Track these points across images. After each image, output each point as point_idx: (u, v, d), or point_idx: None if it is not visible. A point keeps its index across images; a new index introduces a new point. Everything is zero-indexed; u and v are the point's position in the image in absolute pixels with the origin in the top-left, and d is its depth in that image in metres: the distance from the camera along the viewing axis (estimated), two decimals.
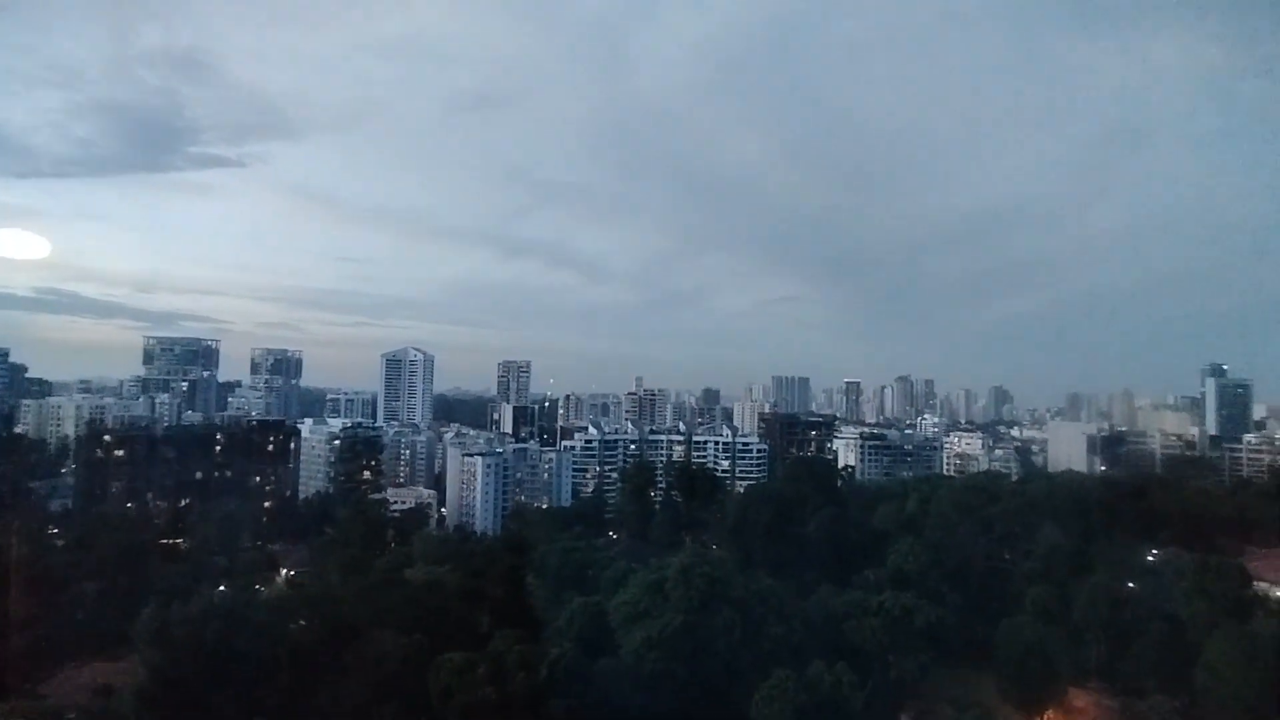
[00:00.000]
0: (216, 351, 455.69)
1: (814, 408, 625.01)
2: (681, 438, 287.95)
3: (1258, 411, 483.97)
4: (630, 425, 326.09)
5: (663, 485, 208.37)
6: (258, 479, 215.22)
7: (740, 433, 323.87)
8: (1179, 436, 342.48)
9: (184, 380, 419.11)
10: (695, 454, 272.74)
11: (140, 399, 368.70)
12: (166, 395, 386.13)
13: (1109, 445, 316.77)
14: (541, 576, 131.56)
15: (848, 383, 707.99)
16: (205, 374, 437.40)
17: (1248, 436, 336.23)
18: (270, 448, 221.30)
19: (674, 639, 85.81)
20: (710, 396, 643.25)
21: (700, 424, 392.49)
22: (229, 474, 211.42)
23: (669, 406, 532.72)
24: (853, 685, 78.36)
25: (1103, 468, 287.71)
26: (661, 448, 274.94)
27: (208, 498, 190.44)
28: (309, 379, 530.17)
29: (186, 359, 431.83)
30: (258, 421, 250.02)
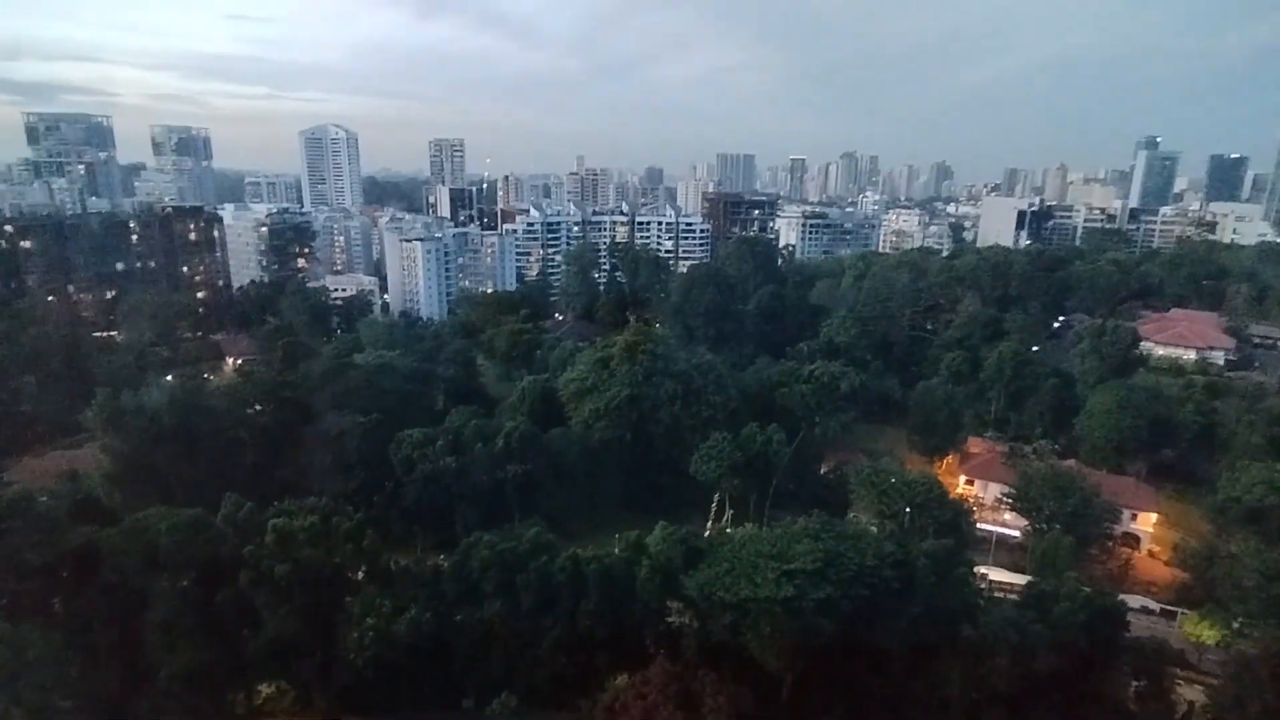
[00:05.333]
0: (110, 129, 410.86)
1: (758, 186, 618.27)
2: (625, 218, 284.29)
3: (1180, 184, 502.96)
4: (573, 207, 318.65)
5: (607, 266, 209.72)
6: (185, 269, 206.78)
7: (683, 213, 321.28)
8: (1102, 210, 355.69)
9: (80, 163, 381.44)
10: (638, 235, 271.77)
11: (34, 184, 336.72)
12: (64, 180, 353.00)
13: (1036, 219, 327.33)
14: (491, 357, 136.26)
15: (793, 160, 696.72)
16: (103, 155, 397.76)
17: (1164, 209, 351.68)
18: (193, 235, 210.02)
19: (620, 410, 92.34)
20: (654, 176, 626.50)
21: (643, 204, 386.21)
22: (152, 264, 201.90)
23: (611, 187, 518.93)
24: (781, 442, 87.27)
25: (1028, 241, 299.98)
26: (605, 229, 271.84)
27: (133, 289, 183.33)
28: (221, 160, 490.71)
29: (78, 138, 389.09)
30: (173, 208, 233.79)
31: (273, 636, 52.18)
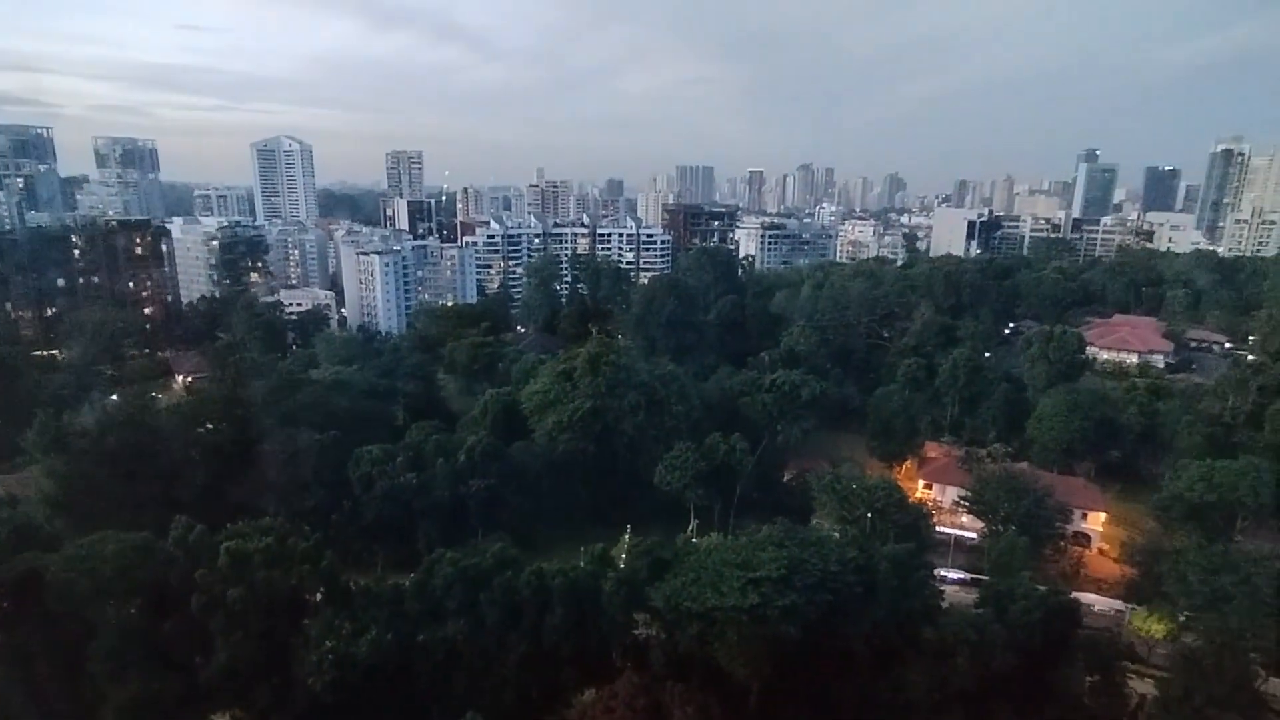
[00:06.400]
0: (51, 141, 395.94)
1: (718, 197, 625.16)
2: (586, 230, 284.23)
3: (1118, 195, 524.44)
4: (533, 219, 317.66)
5: (568, 278, 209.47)
6: (131, 284, 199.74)
7: (644, 224, 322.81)
8: (1047, 220, 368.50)
9: (17, 175, 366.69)
10: (599, 246, 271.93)
11: None
12: (1, 193, 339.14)
13: (986, 229, 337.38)
14: (452, 371, 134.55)
15: (751, 172, 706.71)
16: (42, 167, 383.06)
17: (1105, 219, 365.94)
18: (139, 250, 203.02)
19: (583, 422, 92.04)
20: (614, 188, 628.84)
21: (604, 216, 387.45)
22: (96, 280, 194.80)
23: (572, 199, 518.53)
24: (744, 451, 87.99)
25: (978, 250, 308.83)
26: (566, 241, 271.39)
27: (76, 306, 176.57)
28: (169, 173, 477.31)
29: (16, 150, 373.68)
30: (118, 221, 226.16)
31: (226, 662, 50.42)
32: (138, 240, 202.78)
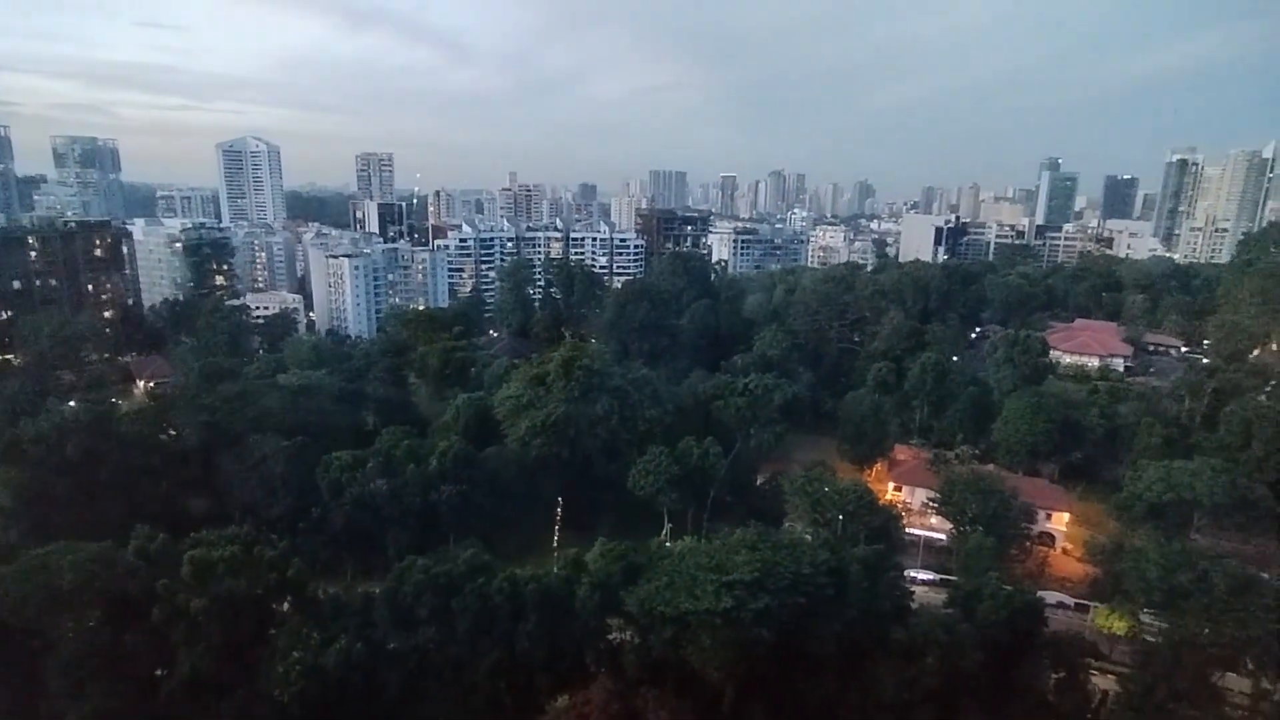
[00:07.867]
0: (7, 140, 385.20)
1: (691, 203, 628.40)
2: (559, 235, 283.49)
3: (1079, 203, 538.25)
4: (506, 223, 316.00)
5: (541, 282, 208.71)
6: (90, 287, 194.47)
7: (617, 229, 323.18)
8: (1012, 226, 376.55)
9: None
10: (573, 251, 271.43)
11: None
12: None
13: (953, 235, 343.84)
14: (423, 376, 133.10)
15: (724, 177, 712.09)
16: None
17: (1066, 226, 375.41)
18: (99, 252, 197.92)
19: (557, 426, 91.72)
20: (587, 192, 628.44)
21: (578, 220, 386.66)
22: (53, 282, 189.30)
23: (545, 203, 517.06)
24: (717, 455, 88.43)
25: (945, 256, 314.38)
26: (539, 245, 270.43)
27: (32, 309, 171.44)
28: (131, 173, 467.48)
29: None
30: (77, 222, 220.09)
31: (189, 675, 49.22)
32: (97, 242, 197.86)
